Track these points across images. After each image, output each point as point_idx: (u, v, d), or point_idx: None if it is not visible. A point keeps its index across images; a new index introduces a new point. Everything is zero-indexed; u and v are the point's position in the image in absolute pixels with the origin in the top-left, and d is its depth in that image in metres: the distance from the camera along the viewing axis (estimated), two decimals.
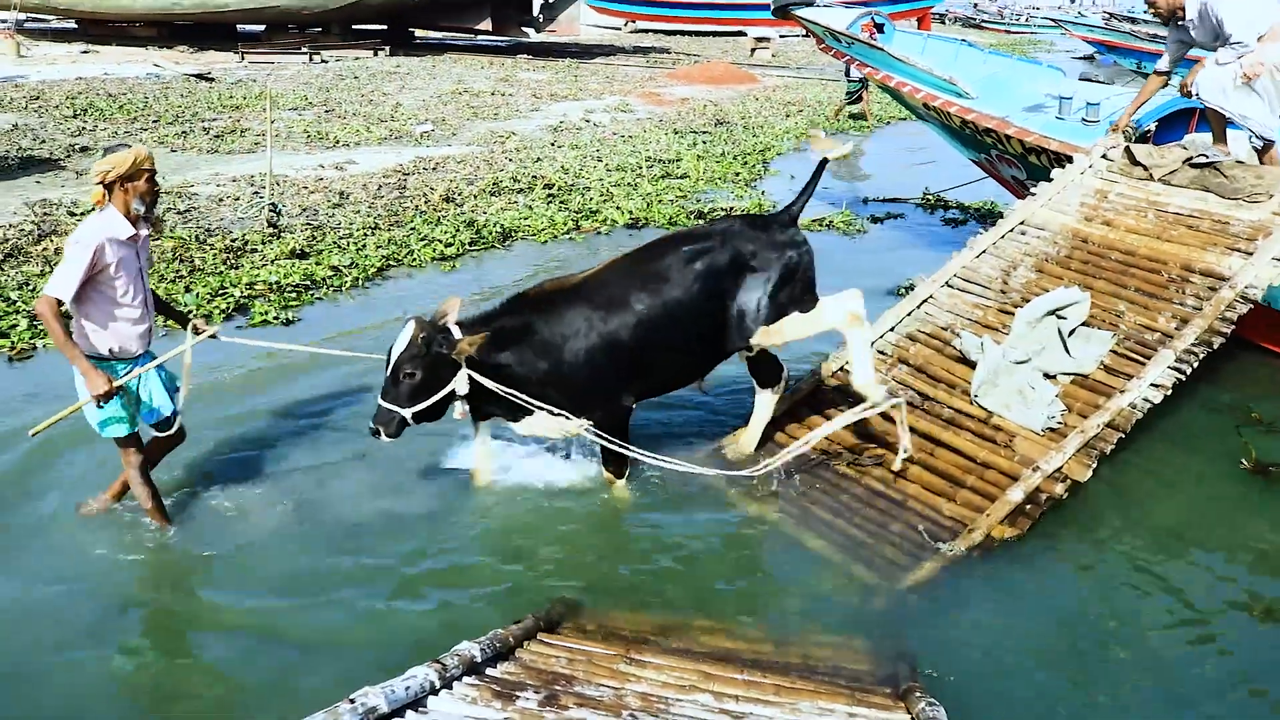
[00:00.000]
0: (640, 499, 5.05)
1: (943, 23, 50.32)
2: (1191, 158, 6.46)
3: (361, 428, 4.92)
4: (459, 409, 4.66)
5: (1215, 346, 5.41)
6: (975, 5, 66.00)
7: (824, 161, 5.35)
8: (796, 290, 4.99)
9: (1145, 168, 6.63)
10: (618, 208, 10.39)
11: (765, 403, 5.41)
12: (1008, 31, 51.98)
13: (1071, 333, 5.60)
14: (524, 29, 28.19)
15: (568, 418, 4.74)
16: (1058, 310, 5.69)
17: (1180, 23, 6.51)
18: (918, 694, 3.34)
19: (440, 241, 8.94)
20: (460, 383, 4.56)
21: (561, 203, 10.53)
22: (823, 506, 4.98)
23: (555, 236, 9.54)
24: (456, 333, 4.52)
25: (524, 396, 4.62)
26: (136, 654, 3.97)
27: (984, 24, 56.85)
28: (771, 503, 5.00)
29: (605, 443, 4.81)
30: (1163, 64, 6.76)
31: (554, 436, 5.01)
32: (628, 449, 4.82)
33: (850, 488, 5.11)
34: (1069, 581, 4.55)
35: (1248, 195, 6.13)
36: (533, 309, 4.77)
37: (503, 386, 4.59)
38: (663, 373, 5.00)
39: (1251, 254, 5.77)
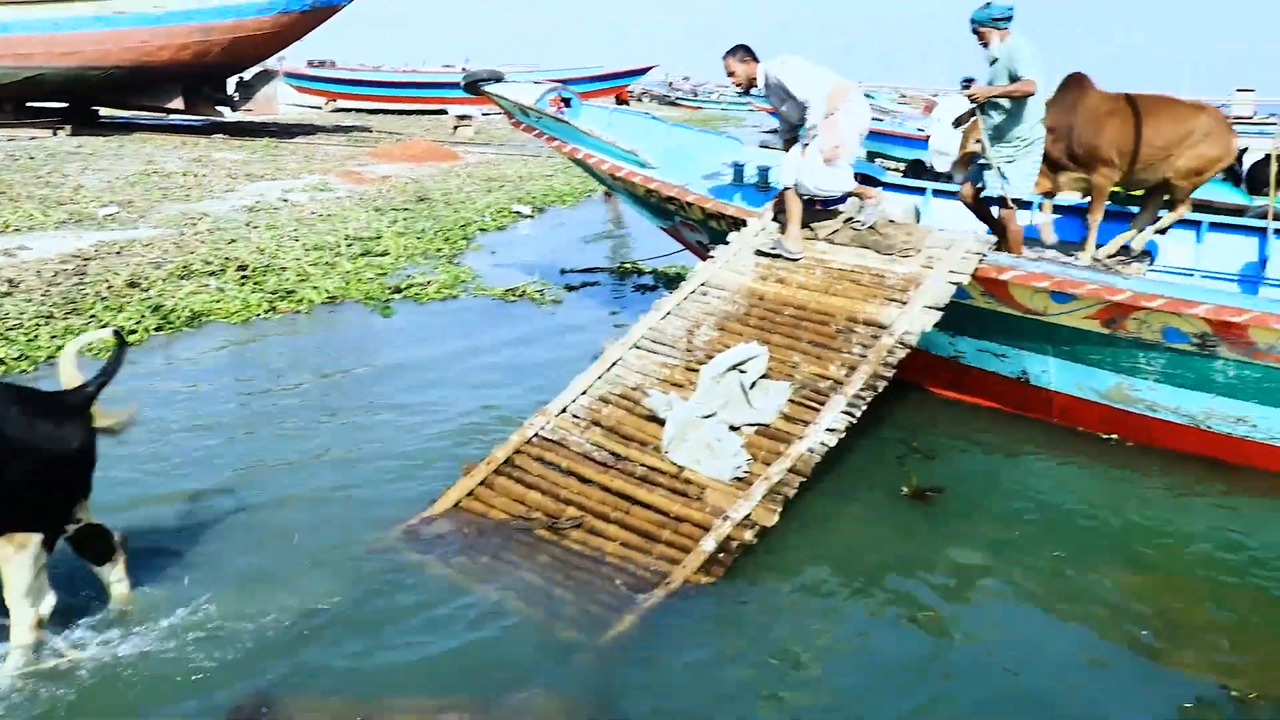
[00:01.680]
0: (319, 578, 4.88)
1: (640, 100, 52.38)
2: (850, 218, 6.98)
3: None
4: None
5: (880, 389, 5.82)
6: (670, 84, 69.11)
7: (124, 344, 4.48)
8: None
9: (811, 228, 7.11)
10: (315, 287, 10.15)
11: (114, 579, 4.46)
12: (699, 108, 54.63)
13: (753, 385, 5.88)
14: (219, 108, 27.23)
15: None
16: (739, 365, 5.97)
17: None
18: None
19: (123, 328, 8.46)
20: None
21: (256, 284, 10.19)
22: (523, 570, 4.98)
23: (249, 318, 9.22)
24: None
25: None
26: None
27: (679, 101, 59.60)
28: (468, 571, 4.95)
29: None
30: (776, 140, 7.39)
31: None
32: None
33: (549, 550, 5.14)
34: (764, 619, 4.72)
35: (900, 251, 6.69)
36: None
37: None
38: None
39: (906, 304, 6.29)
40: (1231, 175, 15.32)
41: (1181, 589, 5.17)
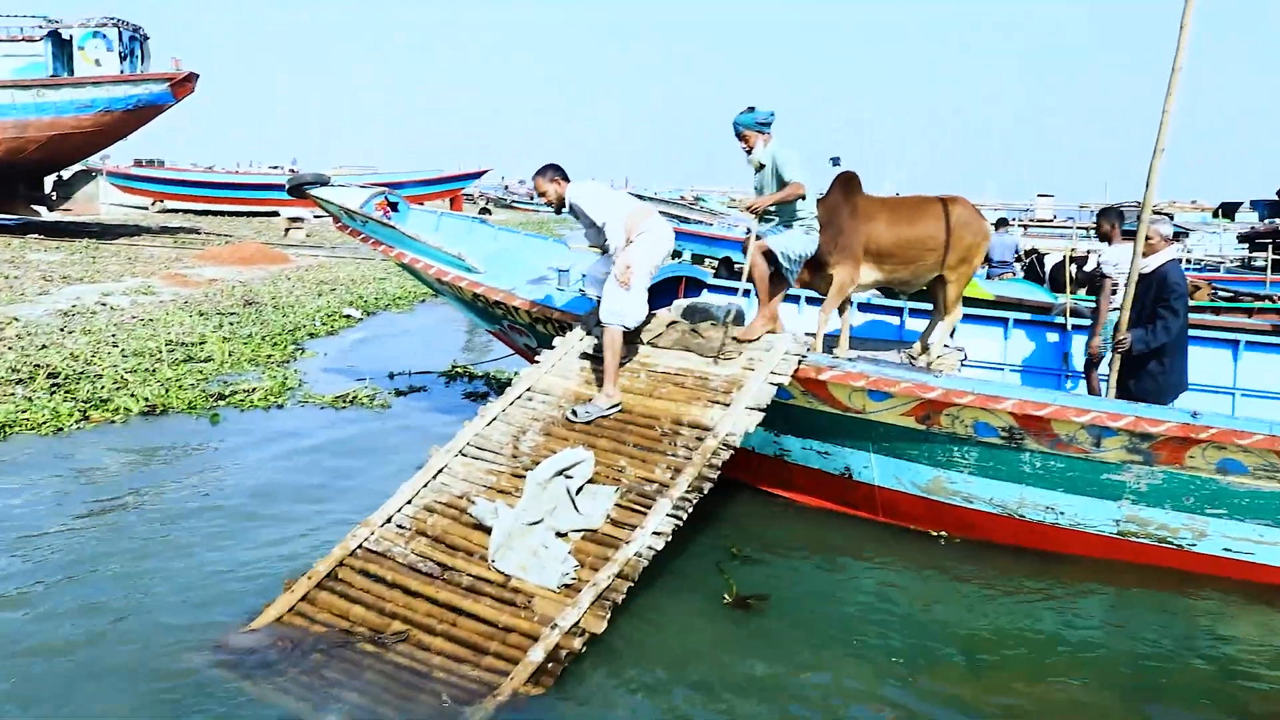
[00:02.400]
0: (127, 702, 4.64)
1: (473, 202, 52.63)
2: (674, 321, 7.12)
3: None
4: None
5: (705, 491, 5.89)
6: (506, 187, 69.82)
7: None
8: None
9: (635, 332, 7.21)
10: (132, 395, 9.76)
11: None
12: (537, 210, 55.19)
13: (579, 490, 5.89)
14: (35, 207, 26.31)
15: None
16: (565, 470, 5.97)
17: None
18: None
19: None
20: None
21: (68, 392, 9.75)
22: (346, 688, 4.81)
23: (60, 429, 8.79)
24: None
25: None
26: None
27: (515, 204, 60.09)
28: (288, 690, 4.75)
29: None
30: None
31: None
32: None
33: (374, 665, 4.99)
34: None
35: (721, 354, 6.84)
36: None
37: None
38: None
39: (729, 405, 6.41)
40: (1033, 275, 16.36)
41: (1009, 685, 5.27)
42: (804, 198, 7.19)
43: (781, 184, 7.13)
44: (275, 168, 50.53)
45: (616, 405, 6.72)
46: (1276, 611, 6.19)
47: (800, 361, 6.80)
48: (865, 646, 5.57)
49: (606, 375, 6.76)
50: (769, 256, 7.40)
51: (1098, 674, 5.38)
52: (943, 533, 7.15)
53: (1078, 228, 26.83)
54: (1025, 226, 23.72)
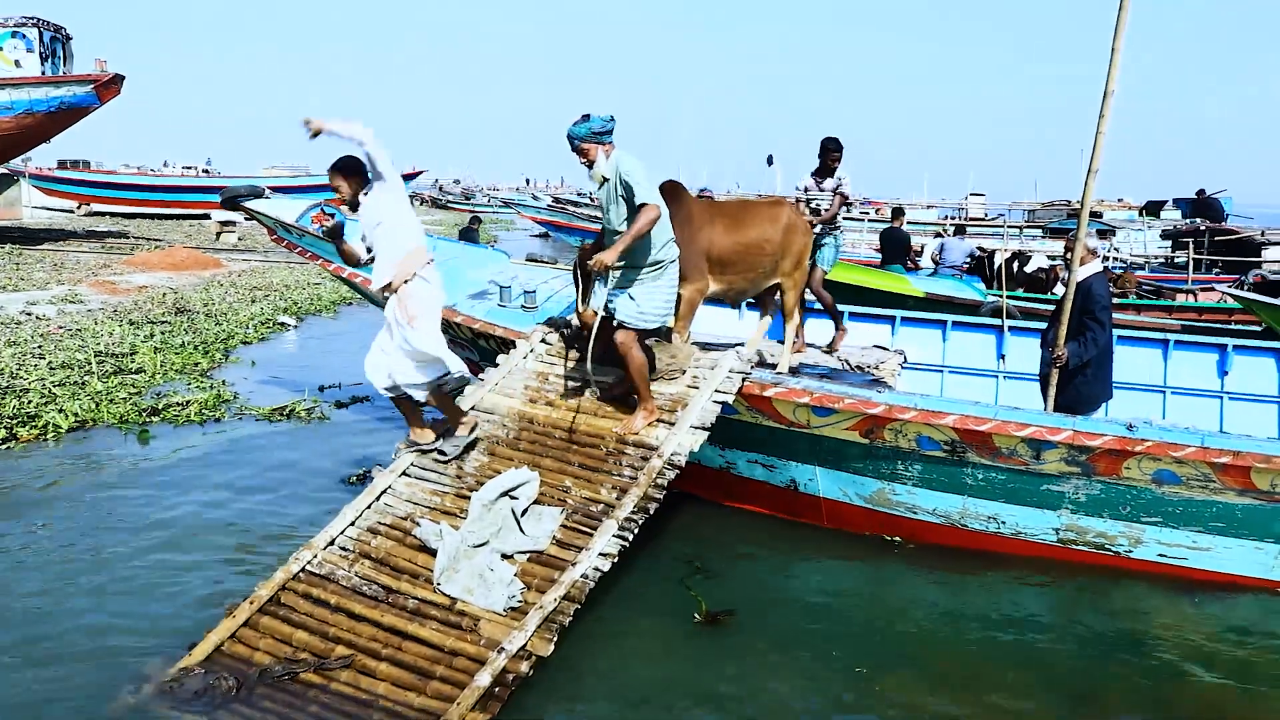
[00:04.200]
0: None
1: (412, 203, 52.11)
2: None
3: None
4: None
5: (651, 511, 5.87)
6: (441, 188, 69.36)
7: None
8: None
9: (577, 350, 7.17)
10: (61, 410, 9.53)
11: None
12: (471, 211, 54.91)
13: (524, 512, 5.84)
14: None
15: None
16: (510, 491, 5.93)
17: None
18: None
19: None
20: None
21: None
22: None
23: None
24: None
25: None
26: None
27: (449, 204, 59.74)
28: None
29: None
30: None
31: None
32: None
33: (317, 695, 4.91)
34: None
35: (664, 373, 6.82)
36: None
37: None
38: None
39: (674, 424, 6.40)
40: (979, 272, 16.59)
41: (962, 684, 5.40)
42: (657, 219, 6.28)
43: (630, 205, 6.34)
44: (189, 168, 49.73)
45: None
46: (1205, 605, 6.39)
47: (745, 379, 6.81)
48: (831, 654, 5.64)
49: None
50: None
51: (1045, 671, 5.59)
52: (896, 537, 7.23)
53: (1008, 226, 27.21)
54: (960, 228, 23.99)
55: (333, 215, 9.17)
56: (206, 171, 47.00)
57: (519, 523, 5.77)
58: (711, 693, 5.21)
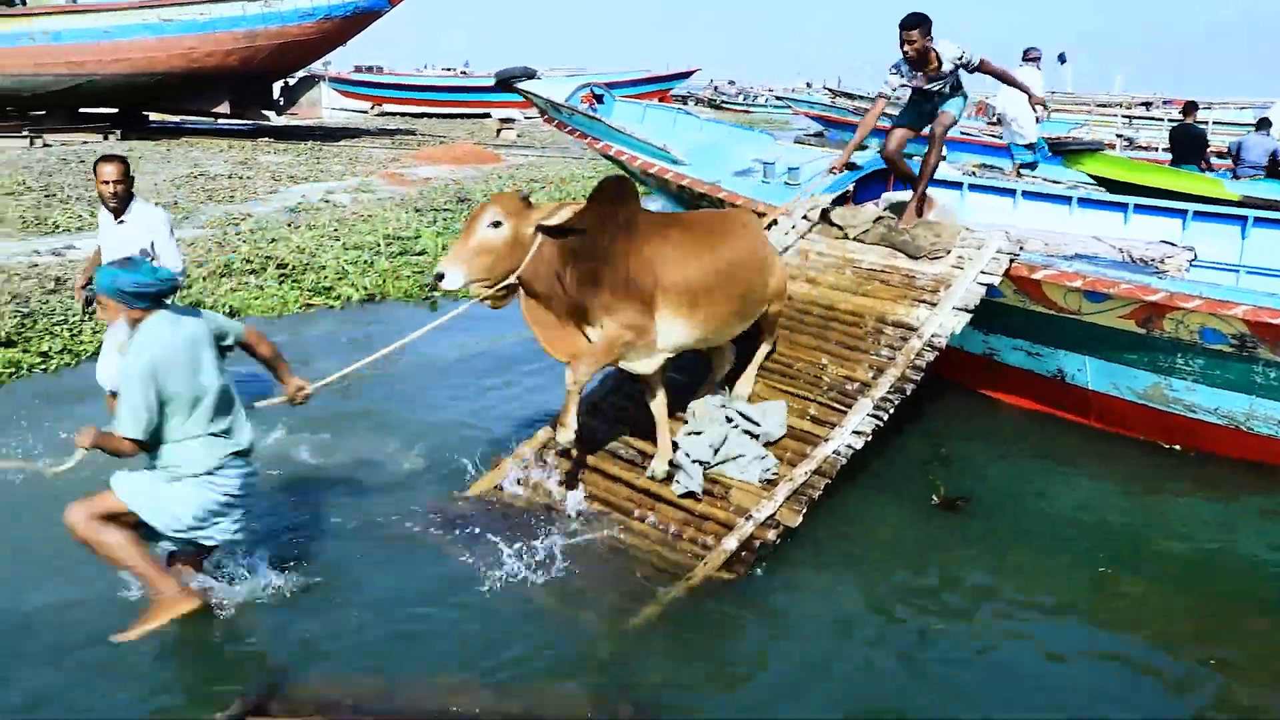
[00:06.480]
0: (341, 556, 5.00)
1: (686, 103, 52.33)
2: (880, 216, 6.91)
3: None
4: None
5: (908, 392, 5.77)
6: (716, 88, 69.14)
7: None
8: None
9: (840, 227, 7.04)
10: (352, 285, 10.27)
11: None
12: (746, 111, 54.49)
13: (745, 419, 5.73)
14: (264, 112, 27.56)
15: None
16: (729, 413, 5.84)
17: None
18: None
19: None
20: None
21: (294, 282, 10.30)
22: (546, 558, 4.96)
23: (283, 314, 9.36)
24: None
25: None
26: None
27: (724, 104, 59.54)
28: (493, 555, 4.95)
29: None
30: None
31: None
32: None
33: (573, 540, 5.13)
34: (784, 619, 4.70)
35: (928, 253, 6.61)
36: None
37: None
38: None
39: (935, 305, 6.22)
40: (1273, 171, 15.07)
41: (1224, 608, 4.99)
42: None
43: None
44: (448, 69, 51.41)
45: None
46: None
47: (1012, 260, 6.52)
48: (1066, 555, 5.39)
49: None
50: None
51: None
52: (1175, 445, 6.77)
53: None
54: (1263, 122, 21.56)
55: (600, 97, 9.31)
56: (465, 73, 48.51)
57: (748, 418, 5.70)
58: (938, 574, 5.19)
